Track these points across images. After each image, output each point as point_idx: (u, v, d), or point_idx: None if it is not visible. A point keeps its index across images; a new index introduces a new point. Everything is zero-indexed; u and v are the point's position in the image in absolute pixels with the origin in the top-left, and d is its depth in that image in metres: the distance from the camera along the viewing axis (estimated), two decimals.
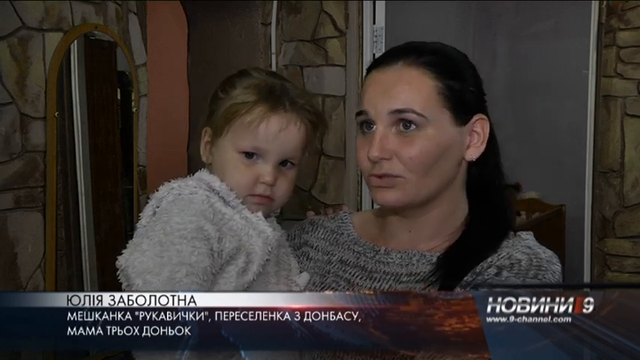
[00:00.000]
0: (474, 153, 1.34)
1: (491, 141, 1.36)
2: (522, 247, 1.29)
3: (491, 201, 1.36)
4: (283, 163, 1.37)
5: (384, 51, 3.58)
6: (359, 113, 1.34)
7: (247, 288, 1.32)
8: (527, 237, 1.34)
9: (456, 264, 1.29)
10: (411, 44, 1.36)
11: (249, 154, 1.35)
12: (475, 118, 1.33)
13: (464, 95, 1.32)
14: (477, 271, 1.27)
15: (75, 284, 2.59)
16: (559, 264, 1.29)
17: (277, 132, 1.34)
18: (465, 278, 1.26)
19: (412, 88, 1.29)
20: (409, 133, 1.29)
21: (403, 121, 1.29)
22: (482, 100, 1.36)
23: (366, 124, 1.33)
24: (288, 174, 1.38)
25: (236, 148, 1.35)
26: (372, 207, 3.67)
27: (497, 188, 1.37)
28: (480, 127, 1.33)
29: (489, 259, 1.27)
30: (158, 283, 1.22)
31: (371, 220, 1.47)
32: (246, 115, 1.33)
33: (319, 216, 1.56)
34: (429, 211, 1.35)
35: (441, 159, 1.30)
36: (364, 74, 1.39)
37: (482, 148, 1.34)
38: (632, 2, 3.35)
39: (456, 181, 1.35)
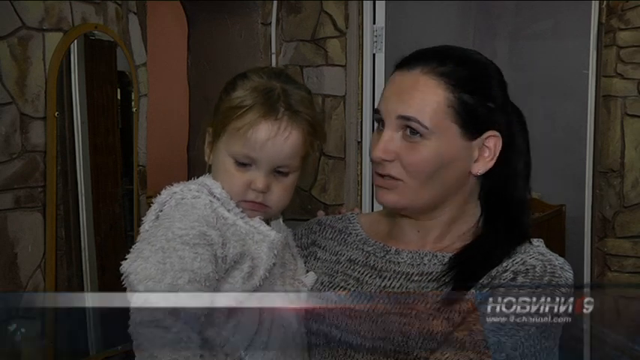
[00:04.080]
0: (481, 167, 1.34)
1: (505, 156, 1.34)
2: (535, 254, 1.30)
3: (504, 209, 1.36)
4: (278, 170, 1.34)
5: (384, 51, 3.62)
6: (375, 111, 1.36)
7: (254, 292, 1.32)
8: (539, 243, 1.35)
9: (470, 266, 1.30)
10: (440, 49, 1.36)
11: (240, 161, 1.32)
12: (487, 134, 1.33)
13: (477, 110, 1.31)
14: (493, 274, 1.28)
15: (75, 284, 2.59)
16: (571, 271, 1.30)
17: (265, 140, 1.30)
18: (481, 281, 1.27)
19: (423, 98, 1.30)
20: (413, 140, 1.30)
21: (409, 127, 1.30)
22: (499, 114, 1.34)
23: (381, 122, 1.35)
24: (283, 181, 1.35)
25: (229, 153, 1.33)
26: (372, 207, 3.67)
27: (510, 199, 1.37)
28: (492, 143, 1.33)
29: (504, 264, 1.28)
30: (160, 290, 1.22)
31: (379, 220, 1.47)
32: (238, 121, 1.30)
33: (328, 216, 1.56)
34: (435, 216, 1.36)
35: (442, 169, 1.31)
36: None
37: (491, 164, 1.34)
38: (632, 2, 3.35)
39: (462, 192, 1.36)
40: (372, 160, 1.35)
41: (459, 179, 1.34)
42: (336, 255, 1.45)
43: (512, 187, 1.37)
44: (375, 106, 1.37)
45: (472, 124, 1.31)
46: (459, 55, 1.35)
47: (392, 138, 1.31)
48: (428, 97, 1.30)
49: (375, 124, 1.38)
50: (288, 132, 1.31)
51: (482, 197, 1.38)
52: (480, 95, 1.32)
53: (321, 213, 1.63)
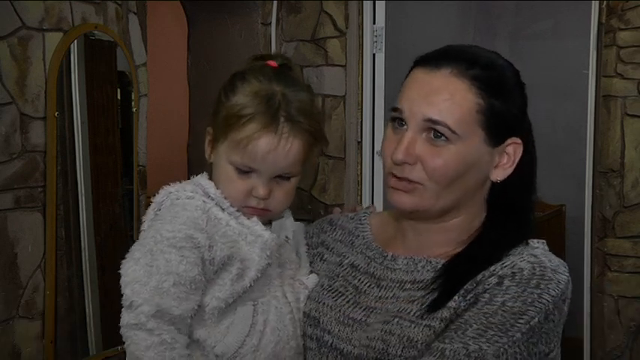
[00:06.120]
0: (500, 174, 1.31)
1: (523, 164, 1.31)
2: (527, 256, 1.26)
3: (510, 215, 1.32)
4: (279, 175, 1.33)
5: (384, 51, 3.62)
6: (394, 109, 1.30)
7: (245, 293, 1.31)
8: (538, 245, 1.31)
9: (458, 272, 1.26)
10: (466, 50, 1.32)
11: (240, 169, 1.32)
12: (509, 141, 1.30)
13: (504, 117, 1.28)
14: (478, 279, 1.24)
15: (75, 284, 2.59)
16: (566, 274, 1.25)
17: (266, 153, 1.29)
18: (465, 287, 1.24)
19: (453, 101, 1.25)
20: (438, 143, 1.26)
21: (435, 130, 1.25)
22: (522, 122, 1.32)
23: (398, 121, 1.29)
24: (284, 185, 1.35)
25: (229, 161, 1.32)
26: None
27: (518, 204, 1.33)
28: (512, 150, 1.30)
29: (492, 268, 1.25)
30: (146, 292, 1.22)
31: (388, 221, 1.44)
32: (239, 131, 1.29)
33: (341, 214, 1.53)
34: (445, 220, 1.33)
35: (465, 174, 1.27)
36: (410, 66, 1.33)
37: (510, 171, 1.31)
38: (632, 2, 3.34)
39: (477, 196, 1.33)
40: (391, 161, 1.28)
41: (477, 185, 1.31)
42: (340, 257, 1.42)
43: (523, 192, 1.34)
44: (396, 104, 1.30)
45: (498, 131, 1.28)
46: (488, 59, 1.31)
47: (415, 140, 1.26)
48: (458, 102, 1.25)
49: (391, 122, 1.31)
50: (289, 144, 1.30)
51: (490, 201, 1.34)
52: (508, 102, 1.29)
53: (337, 210, 1.58)
